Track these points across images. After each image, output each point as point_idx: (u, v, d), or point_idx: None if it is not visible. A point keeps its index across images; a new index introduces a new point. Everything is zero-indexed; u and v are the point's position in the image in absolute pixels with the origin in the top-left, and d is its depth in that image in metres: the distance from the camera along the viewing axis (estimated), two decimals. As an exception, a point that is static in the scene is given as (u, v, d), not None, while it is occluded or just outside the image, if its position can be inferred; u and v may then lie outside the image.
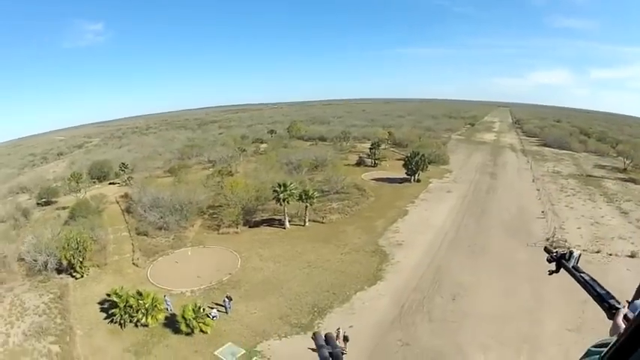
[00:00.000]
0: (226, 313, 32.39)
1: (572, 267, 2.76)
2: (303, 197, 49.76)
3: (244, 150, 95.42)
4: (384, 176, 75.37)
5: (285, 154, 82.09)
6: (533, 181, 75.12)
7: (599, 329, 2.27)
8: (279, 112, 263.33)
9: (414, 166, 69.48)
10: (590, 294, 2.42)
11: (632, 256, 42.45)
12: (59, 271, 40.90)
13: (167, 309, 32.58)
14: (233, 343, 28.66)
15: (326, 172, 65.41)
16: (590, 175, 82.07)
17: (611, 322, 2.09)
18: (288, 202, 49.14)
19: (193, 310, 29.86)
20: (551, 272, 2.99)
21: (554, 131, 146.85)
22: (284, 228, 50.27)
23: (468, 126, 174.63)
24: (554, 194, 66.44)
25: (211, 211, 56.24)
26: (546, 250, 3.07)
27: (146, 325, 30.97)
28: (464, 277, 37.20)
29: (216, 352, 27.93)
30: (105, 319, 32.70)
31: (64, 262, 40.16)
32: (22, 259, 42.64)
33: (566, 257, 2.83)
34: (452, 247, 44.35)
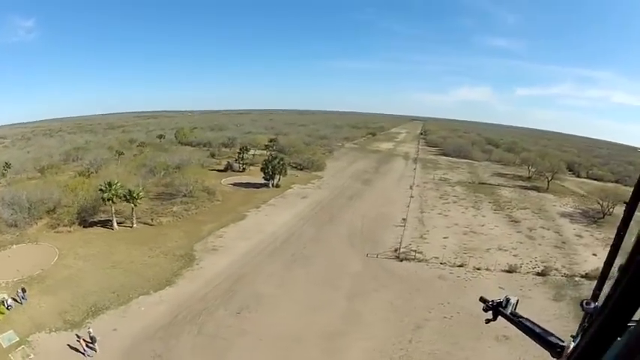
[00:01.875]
0: (21, 304, 33.05)
1: (510, 313, 2.72)
2: (128, 197, 49.14)
3: (122, 153, 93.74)
4: (245, 181, 75.28)
5: (152, 157, 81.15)
6: (411, 187, 76.07)
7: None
8: (188, 119, 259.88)
9: (271, 170, 70.27)
10: (532, 338, 2.40)
11: (510, 270, 39.88)
12: None
13: (8, 305, 32.48)
14: (14, 331, 28.96)
15: (180, 176, 65.49)
16: (483, 183, 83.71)
17: None
18: (112, 201, 48.29)
19: None
20: (488, 321, 2.93)
21: (457, 141, 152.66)
22: (112, 228, 49.63)
23: (369, 136, 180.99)
24: (430, 201, 66.50)
25: (60, 211, 54.91)
26: (482, 300, 2.95)
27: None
28: (266, 289, 35.44)
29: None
30: None
31: None
32: None
33: (503, 305, 2.77)
34: (272, 256, 43.21)
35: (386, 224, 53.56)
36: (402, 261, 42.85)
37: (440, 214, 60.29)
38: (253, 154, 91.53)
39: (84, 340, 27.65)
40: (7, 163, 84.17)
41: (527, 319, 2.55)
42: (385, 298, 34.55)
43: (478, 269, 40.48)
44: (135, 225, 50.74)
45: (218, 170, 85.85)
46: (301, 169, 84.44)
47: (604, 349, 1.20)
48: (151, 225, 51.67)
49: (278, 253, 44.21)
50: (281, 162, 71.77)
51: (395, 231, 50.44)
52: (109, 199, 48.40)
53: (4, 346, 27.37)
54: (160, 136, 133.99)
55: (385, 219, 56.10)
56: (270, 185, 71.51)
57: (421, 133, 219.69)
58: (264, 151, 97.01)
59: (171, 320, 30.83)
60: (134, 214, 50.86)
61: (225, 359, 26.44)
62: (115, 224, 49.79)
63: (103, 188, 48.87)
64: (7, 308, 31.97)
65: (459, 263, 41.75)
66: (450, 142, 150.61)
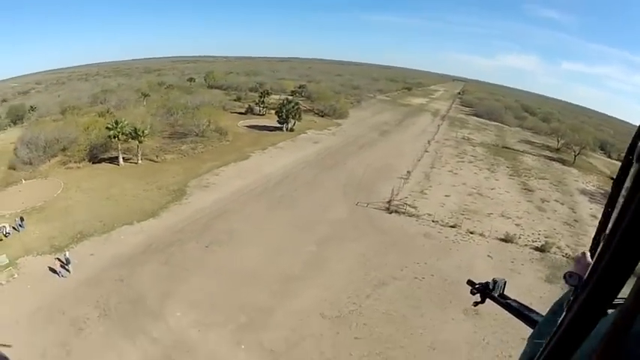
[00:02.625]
0: (18, 231, 35.62)
1: (499, 295, 2.71)
2: (134, 135, 50.88)
3: (148, 95, 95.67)
4: (262, 124, 75.70)
5: (174, 98, 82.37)
6: (429, 142, 74.08)
7: None
8: (227, 64, 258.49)
9: (285, 114, 70.22)
10: (522, 320, 2.39)
11: (507, 240, 36.99)
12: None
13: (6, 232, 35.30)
14: (6, 255, 31.27)
15: (192, 116, 66.51)
16: (507, 148, 79.69)
17: None
18: (118, 138, 50.21)
19: None
20: (476, 303, 2.90)
21: (492, 103, 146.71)
22: (118, 165, 51.82)
23: (405, 90, 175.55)
24: (444, 158, 64.49)
25: (72, 149, 57.33)
26: (469, 282, 2.88)
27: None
28: (242, 227, 35.87)
29: None
30: None
31: None
32: None
33: (490, 287, 2.74)
34: (260, 195, 43.82)
35: (389, 176, 51.69)
36: (391, 213, 42.00)
37: (450, 171, 58.37)
38: (279, 99, 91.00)
39: (59, 261, 29.87)
40: (32, 107, 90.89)
41: (514, 301, 2.54)
42: (358, 249, 33.87)
43: (471, 233, 38.05)
44: (140, 161, 52.82)
45: (239, 113, 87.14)
46: (322, 116, 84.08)
47: (590, 326, 1.13)
48: (156, 162, 53.65)
49: (267, 193, 44.68)
50: (295, 106, 71.38)
51: (395, 183, 48.28)
52: (115, 137, 50.35)
53: None
54: (191, 79, 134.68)
55: (390, 170, 54.57)
56: (284, 129, 71.81)
57: (459, 93, 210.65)
58: (290, 97, 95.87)
59: (144, 249, 32.49)
60: (139, 151, 52.82)
61: (177, 287, 27.44)
62: (120, 160, 52.00)
63: (110, 126, 50.72)
64: (5, 235, 34.77)
65: (451, 224, 39.66)
66: (485, 103, 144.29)
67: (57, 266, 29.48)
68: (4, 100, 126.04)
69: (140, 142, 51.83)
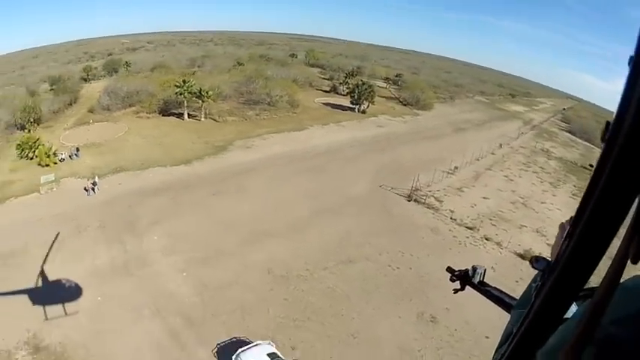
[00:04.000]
0: (72, 159, 44.02)
1: (478, 282, 2.59)
2: (199, 95, 56.42)
3: (242, 64, 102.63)
4: (338, 103, 77.14)
5: (261, 70, 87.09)
6: (500, 146, 69.70)
7: None
8: (338, 47, 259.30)
9: (357, 95, 70.87)
10: (502, 307, 2.29)
11: (524, 256, 33.08)
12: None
13: (62, 157, 43.90)
14: (54, 175, 39.02)
15: (267, 87, 70.64)
16: (586, 168, 70.74)
17: None
18: (184, 96, 56.17)
19: (46, 153, 42.62)
20: (456, 290, 2.72)
21: (590, 123, 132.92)
22: (182, 119, 57.99)
23: (508, 96, 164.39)
24: (507, 163, 60.99)
25: (147, 101, 65.18)
26: (449, 269, 2.76)
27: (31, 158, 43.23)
28: (254, 185, 38.96)
29: (42, 177, 38.49)
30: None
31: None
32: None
33: (470, 274, 2.62)
34: (291, 163, 45.71)
35: (432, 167, 47.81)
36: (409, 201, 40.80)
37: (506, 176, 54.37)
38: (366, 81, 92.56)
39: (91, 183, 36.19)
40: (127, 62, 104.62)
41: (495, 288, 2.46)
42: (349, 226, 33.44)
43: (487, 239, 34.45)
44: (203, 119, 58.66)
45: (324, 91, 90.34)
46: (405, 105, 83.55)
47: (558, 313, 1.10)
48: (217, 121, 59.17)
49: (301, 162, 46.39)
50: (368, 89, 71.72)
51: (435, 175, 45.97)
52: (181, 94, 56.25)
53: (42, 182, 37.08)
54: (292, 55, 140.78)
55: (439, 163, 50.52)
56: (356, 110, 72.64)
57: (563, 109, 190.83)
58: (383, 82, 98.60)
59: (162, 187, 37.57)
60: (202, 110, 58.46)
61: (168, 219, 31.80)
62: (185, 116, 58.31)
63: (178, 84, 56.65)
64: (60, 161, 43.08)
65: (470, 225, 36.52)
66: (583, 122, 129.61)
67: (88, 187, 35.85)
68: (110, 54, 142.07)
69: (203, 101, 57.31)
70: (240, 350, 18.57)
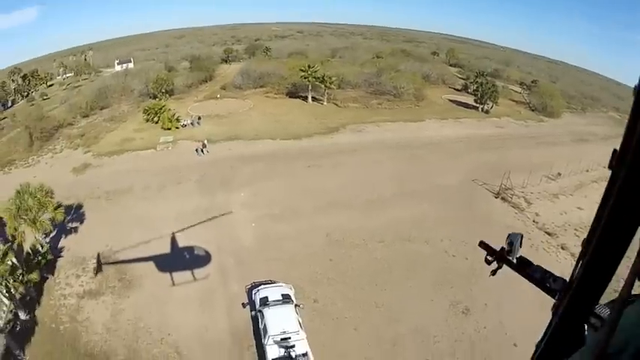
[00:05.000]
0: (193, 126, 49.74)
1: (517, 260, 2.14)
2: (321, 81, 58.32)
3: (380, 57, 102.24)
4: (464, 101, 73.01)
5: (395, 64, 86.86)
6: None
7: None
8: (486, 50, 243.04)
9: (481, 94, 66.28)
10: (545, 292, 1.90)
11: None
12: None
13: (185, 123, 50.14)
14: (173, 137, 45.36)
15: (392, 80, 70.11)
16: None
17: None
18: (309, 80, 58.54)
19: (169, 118, 48.83)
20: (494, 272, 2.24)
21: None
22: (306, 102, 60.79)
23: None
24: None
25: (277, 83, 69.77)
26: (481, 245, 2.32)
27: (156, 122, 49.71)
28: (349, 161, 39.96)
29: (161, 137, 45.14)
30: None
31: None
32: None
33: (507, 249, 2.16)
34: (394, 148, 45.14)
35: (536, 171, 42.54)
36: (497, 197, 36.62)
37: (586, 196, 46.51)
38: (503, 86, 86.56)
39: (201, 145, 40.52)
40: (267, 47, 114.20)
41: (538, 268, 2.02)
42: (425, 212, 31.42)
43: (563, 248, 30.18)
44: (325, 103, 60.66)
45: (455, 89, 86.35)
46: (532, 110, 76.73)
47: (574, 330, 1.11)
48: (338, 106, 60.56)
49: (402, 149, 45.17)
50: (492, 88, 66.76)
51: (534, 178, 41.38)
52: (305, 78, 58.92)
53: (160, 141, 43.24)
54: (434, 53, 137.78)
55: (542, 168, 44.45)
56: (480, 109, 68.21)
57: None
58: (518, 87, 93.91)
59: (265, 155, 40.14)
60: (325, 95, 60.51)
61: (258, 181, 34.26)
62: (309, 99, 60.85)
63: (303, 69, 59.36)
64: (183, 126, 49.25)
65: (550, 231, 32.49)
66: None
67: (199, 148, 40.39)
68: (257, 40, 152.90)
69: (326, 87, 59.22)
70: (261, 287, 19.53)
